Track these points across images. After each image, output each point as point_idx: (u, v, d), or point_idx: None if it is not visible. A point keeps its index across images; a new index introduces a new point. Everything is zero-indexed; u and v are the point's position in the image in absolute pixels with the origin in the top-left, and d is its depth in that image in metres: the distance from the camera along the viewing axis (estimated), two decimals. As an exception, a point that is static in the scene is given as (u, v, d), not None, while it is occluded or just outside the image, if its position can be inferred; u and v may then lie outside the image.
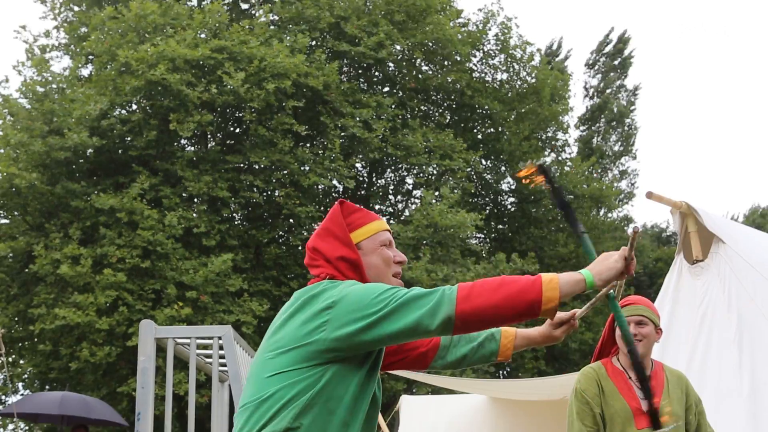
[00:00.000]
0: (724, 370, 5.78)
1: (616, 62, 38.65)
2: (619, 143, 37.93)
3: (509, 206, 30.26)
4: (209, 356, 8.12)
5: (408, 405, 11.33)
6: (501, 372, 26.59)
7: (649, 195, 6.26)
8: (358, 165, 27.65)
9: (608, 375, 3.90)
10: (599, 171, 33.71)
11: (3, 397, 23.41)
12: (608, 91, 38.11)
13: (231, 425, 9.03)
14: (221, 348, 7.01)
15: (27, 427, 27.51)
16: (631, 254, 2.59)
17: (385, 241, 2.78)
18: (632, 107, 37.98)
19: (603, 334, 4.11)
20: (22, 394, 25.69)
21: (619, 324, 2.95)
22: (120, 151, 23.82)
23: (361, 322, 2.58)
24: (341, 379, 2.63)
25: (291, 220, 25.43)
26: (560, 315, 2.99)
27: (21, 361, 25.53)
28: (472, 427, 8.50)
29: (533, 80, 28.61)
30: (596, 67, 39.07)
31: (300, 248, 24.79)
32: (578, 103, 48.29)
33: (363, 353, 2.66)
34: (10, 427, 26.56)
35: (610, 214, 33.18)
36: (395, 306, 2.56)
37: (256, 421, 2.64)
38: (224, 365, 7.49)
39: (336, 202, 2.82)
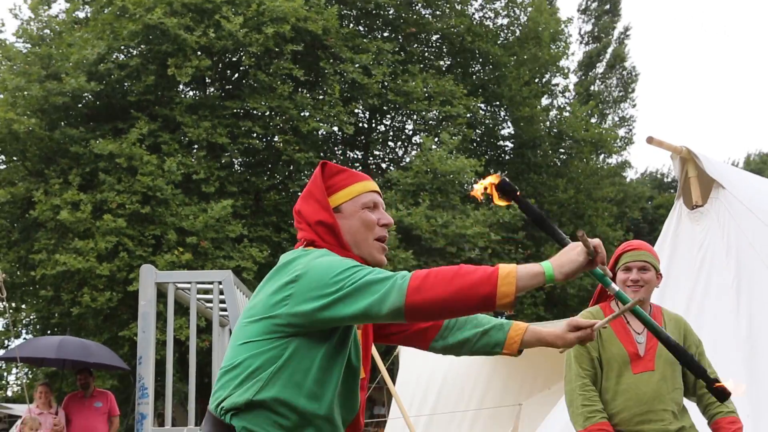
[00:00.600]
0: (722, 315, 5.81)
1: (607, 6, 38.54)
2: (619, 89, 37.79)
3: (509, 153, 30.16)
4: (210, 301, 8.16)
5: (407, 350, 11.40)
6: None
7: (650, 140, 6.23)
8: (357, 111, 27.51)
9: (605, 315, 3.90)
10: (597, 116, 33.51)
11: (6, 342, 23.56)
12: (603, 35, 37.97)
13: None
14: (221, 293, 7.04)
15: (29, 371, 27.77)
16: (590, 251, 2.46)
17: (368, 203, 2.65)
18: (626, 48, 37.87)
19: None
20: (24, 338, 25.89)
21: (619, 298, 2.85)
22: (119, 96, 23.68)
23: (318, 301, 2.55)
24: (306, 351, 2.61)
25: (291, 167, 25.37)
26: (580, 321, 2.89)
27: (23, 306, 25.69)
28: (470, 372, 8.57)
29: (531, 23, 28.37)
30: (588, 12, 38.92)
31: (299, 194, 24.76)
32: (575, 50, 48.07)
33: (327, 328, 2.64)
34: (14, 371, 26.78)
35: (609, 160, 33.08)
36: (349, 290, 2.52)
37: (223, 388, 2.65)
38: (225, 310, 7.54)
39: (319, 164, 2.75)
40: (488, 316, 2.87)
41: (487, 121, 29.74)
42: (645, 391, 3.71)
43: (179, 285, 7.22)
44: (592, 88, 37.55)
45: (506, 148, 30.06)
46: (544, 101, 30.54)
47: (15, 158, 24.05)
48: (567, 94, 32.08)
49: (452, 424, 8.00)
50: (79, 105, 23.73)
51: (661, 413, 3.68)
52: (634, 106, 36.15)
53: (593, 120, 31.33)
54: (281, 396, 2.58)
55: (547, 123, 29.92)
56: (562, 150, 29.72)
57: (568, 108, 30.06)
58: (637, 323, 3.91)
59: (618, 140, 31.93)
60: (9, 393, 39.99)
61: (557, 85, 31.14)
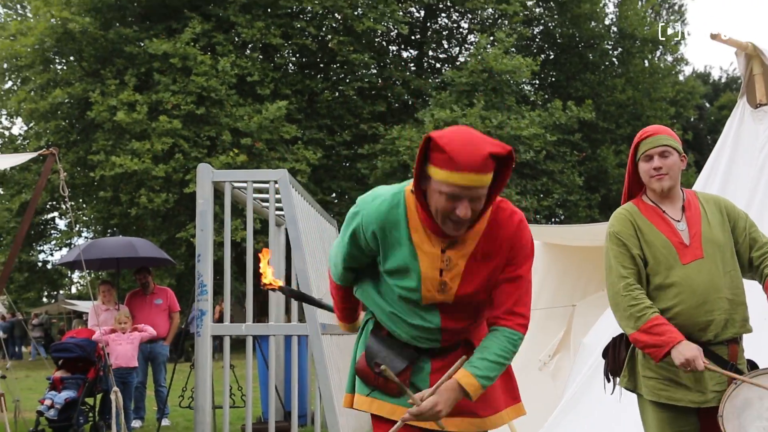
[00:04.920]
0: (784, 215, 5.68)
1: None
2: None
3: (566, 52, 29.50)
4: (265, 200, 8.22)
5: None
6: (553, 219, 26.66)
7: (714, 36, 6.02)
8: (412, 9, 27.06)
9: (642, 213, 3.71)
10: (651, 11, 32.42)
11: (68, 241, 24.15)
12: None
13: (288, 268, 9.26)
14: (277, 192, 7.07)
15: (89, 273, 28.49)
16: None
17: (444, 191, 2.62)
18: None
19: (626, 174, 3.90)
20: (86, 238, 26.53)
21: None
22: (172, -5, 23.58)
23: None
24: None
25: (345, 67, 25.18)
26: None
27: (84, 206, 26.23)
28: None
29: None
30: None
31: (353, 96, 24.65)
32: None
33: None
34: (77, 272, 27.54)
35: (667, 57, 32.19)
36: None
37: None
38: (281, 209, 7.59)
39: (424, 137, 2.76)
40: (489, 351, 2.90)
41: (545, 19, 29.08)
42: (698, 282, 3.48)
43: (236, 184, 7.25)
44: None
45: (563, 47, 29.40)
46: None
47: (72, 58, 24.21)
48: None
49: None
50: (134, 3, 23.69)
51: (717, 302, 3.50)
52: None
53: (650, 18, 30.45)
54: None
55: (606, 21, 29.17)
56: (621, 48, 29.02)
57: (626, 3, 29.14)
58: (674, 210, 3.71)
59: (677, 37, 31.03)
60: (74, 290, 41.30)
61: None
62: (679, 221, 3.68)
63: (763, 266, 3.63)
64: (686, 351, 3.41)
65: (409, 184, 2.87)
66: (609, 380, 3.84)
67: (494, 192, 2.75)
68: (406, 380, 2.93)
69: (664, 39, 29.07)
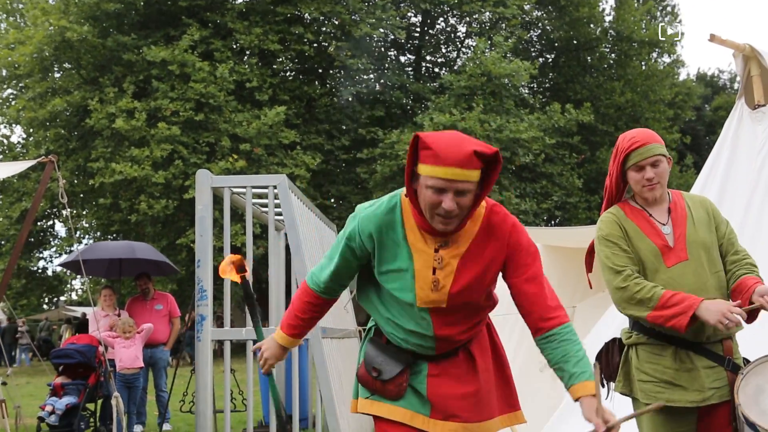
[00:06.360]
0: (783, 217, 5.69)
1: None
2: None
3: (564, 55, 29.54)
4: (265, 205, 8.23)
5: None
6: (552, 222, 26.68)
7: (712, 38, 6.03)
8: (410, 14, 27.10)
9: (628, 216, 3.71)
10: (648, 17, 32.46)
11: (67, 248, 24.17)
12: None
13: (288, 273, 9.28)
14: (277, 197, 7.08)
15: (91, 276, 28.49)
16: None
17: (430, 185, 2.76)
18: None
19: (610, 179, 3.88)
20: (85, 245, 26.53)
21: None
22: (169, 2, 23.59)
23: None
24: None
25: (342, 72, 25.21)
26: (609, 419, 2.88)
27: (84, 213, 26.25)
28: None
29: None
30: None
31: (352, 101, 24.68)
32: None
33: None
34: (78, 277, 27.46)
35: (662, 59, 32.21)
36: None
37: None
38: (280, 214, 7.60)
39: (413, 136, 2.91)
40: (577, 356, 2.96)
41: (543, 22, 29.12)
42: (683, 284, 3.46)
43: (235, 190, 7.26)
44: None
45: (561, 50, 29.44)
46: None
47: (70, 66, 24.24)
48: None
49: (505, 327, 8.04)
50: (131, 11, 23.72)
51: None
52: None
53: (645, 20, 30.47)
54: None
55: (605, 24, 29.21)
56: (618, 51, 29.06)
57: (623, 6, 29.19)
58: (661, 213, 3.70)
59: (677, 38, 31.05)
60: (74, 296, 41.29)
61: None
62: (664, 224, 3.68)
63: (735, 269, 3.64)
64: (714, 307, 3.39)
65: (404, 190, 2.97)
66: (603, 386, 3.80)
67: (483, 191, 2.85)
68: (404, 383, 3.02)
69: (664, 39, 29.11)
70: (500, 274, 3.04)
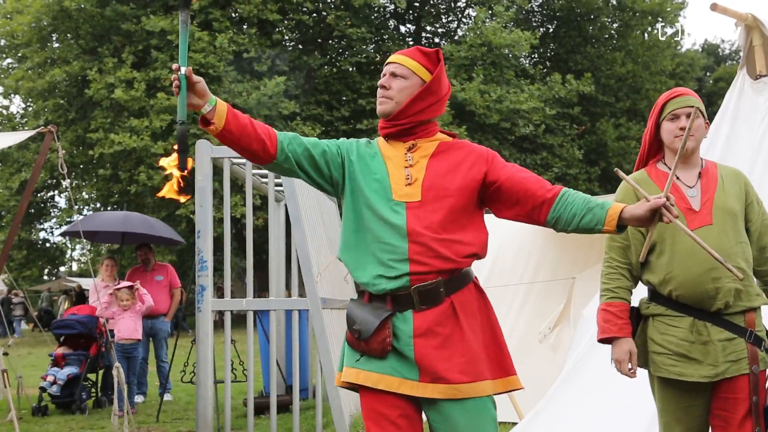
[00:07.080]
0: (783, 188, 5.67)
1: None
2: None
3: (563, 26, 29.34)
4: (265, 176, 8.22)
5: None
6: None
7: (714, 7, 5.98)
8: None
9: (652, 180, 3.67)
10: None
11: (67, 219, 24.18)
12: None
13: (288, 244, 9.28)
14: (276, 168, 7.07)
15: (92, 247, 28.54)
16: None
17: (383, 72, 3.24)
18: None
19: (645, 139, 3.84)
20: (85, 215, 26.54)
21: None
22: (168, -29, 23.44)
23: None
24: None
25: (342, 42, 25.07)
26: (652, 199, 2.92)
27: (84, 184, 26.23)
28: (523, 246, 8.58)
29: None
30: None
31: (352, 71, 24.56)
32: None
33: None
34: (79, 247, 27.53)
35: (666, 29, 31.98)
36: None
37: None
38: (280, 185, 7.59)
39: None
40: (596, 200, 3.03)
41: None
42: None
43: (235, 161, 7.24)
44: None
45: (562, 20, 29.24)
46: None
47: (68, 36, 24.11)
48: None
49: (505, 298, 8.05)
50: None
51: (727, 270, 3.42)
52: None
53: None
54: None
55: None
56: (620, 21, 28.87)
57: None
58: (688, 176, 3.63)
59: (679, 9, 30.83)
60: (74, 267, 41.37)
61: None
62: (691, 187, 3.62)
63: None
64: (624, 347, 3.55)
65: None
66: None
67: (433, 89, 3.18)
68: (387, 339, 3.00)
69: (669, 9, 28.89)
70: (487, 204, 3.19)
